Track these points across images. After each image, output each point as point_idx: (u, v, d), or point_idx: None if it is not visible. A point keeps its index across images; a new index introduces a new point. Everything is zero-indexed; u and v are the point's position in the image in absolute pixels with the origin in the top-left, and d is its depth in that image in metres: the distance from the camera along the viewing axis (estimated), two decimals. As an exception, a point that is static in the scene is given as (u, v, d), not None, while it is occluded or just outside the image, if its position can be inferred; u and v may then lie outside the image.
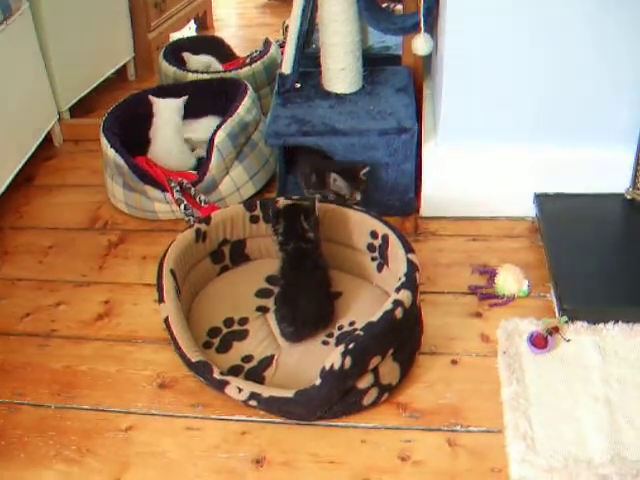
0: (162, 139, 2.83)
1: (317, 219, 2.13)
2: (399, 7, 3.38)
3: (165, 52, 3.48)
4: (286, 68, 2.73)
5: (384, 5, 3.60)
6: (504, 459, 1.73)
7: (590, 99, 2.37)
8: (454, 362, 2.02)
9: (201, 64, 3.44)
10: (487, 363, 2.00)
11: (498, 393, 1.89)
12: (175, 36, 4.38)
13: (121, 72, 4.03)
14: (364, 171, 2.41)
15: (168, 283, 2.01)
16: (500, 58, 2.32)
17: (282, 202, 2.20)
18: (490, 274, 2.27)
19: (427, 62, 2.97)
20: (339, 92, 2.72)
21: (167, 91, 3.00)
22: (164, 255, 2.09)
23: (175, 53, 3.48)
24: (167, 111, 2.86)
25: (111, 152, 2.64)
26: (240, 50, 3.94)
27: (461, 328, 2.13)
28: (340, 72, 2.68)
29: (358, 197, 2.43)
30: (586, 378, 1.90)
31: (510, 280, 2.20)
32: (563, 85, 2.35)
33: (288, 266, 2.13)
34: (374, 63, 2.90)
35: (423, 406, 1.89)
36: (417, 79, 2.90)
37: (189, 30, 4.84)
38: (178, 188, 2.57)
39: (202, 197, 2.59)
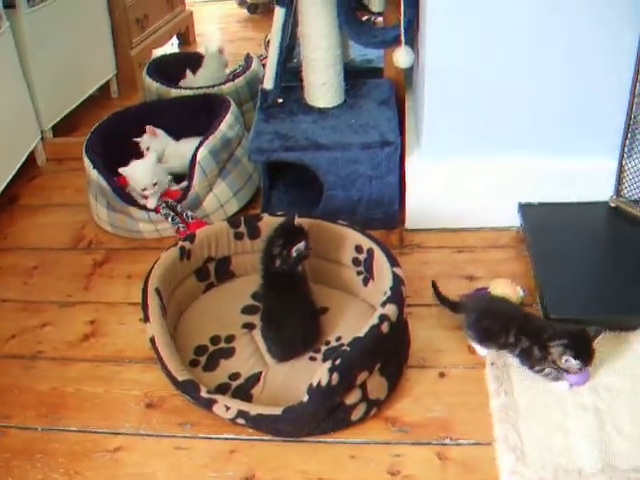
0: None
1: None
2: (380, 20, 3.38)
3: (148, 68, 3.48)
4: (268, 83, 2.73)
5: (365, 18, 3.60)
6: (494, 472, 1.72)
7: (573, 109, 2.37)
8: (442, 375, 2.01)
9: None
10: (475, 375, 2.00)
11: (487, 405, 1.89)
12: (157, 52, 4.38)
13: (104, 89, 4.04)
14: (598, 338, 1.87)
15: (153, 302, 2.00)
16: (481, 69, 2.33)
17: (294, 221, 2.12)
18: (482, 293, 2.23)
19: (409, 74, 2.97)
20: (321, 106, 2.72)
21: (150, 108, 3.00)
22: (149, 274, 2.08)
23: (158, 69, 3.48)
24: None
25: (94, 173, 2.63)
26: (224, 65, 3.94)
27: (448, 340, 2.13)
28: (322, 86, 2.68)
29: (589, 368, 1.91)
30: (574, 388, 1.90)
31: (505, 292, 2.18)
32: (546, 95, 2.36)
33: (272, 283, 2.10)
34: (356, 76, 2.91)
35: (412, 420, 1.88)
36: (399, 91, 2.89)
37: (171, 46, 4.85)
38: (164, 205, 2.57)
39: (189, 213, 2.59)
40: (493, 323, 1.98)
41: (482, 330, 2.01)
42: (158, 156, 2.78)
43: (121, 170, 2.63)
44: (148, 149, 2.83)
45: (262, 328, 2.10)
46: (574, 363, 1.83)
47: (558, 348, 1.85)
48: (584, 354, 1.83)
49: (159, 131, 2.90)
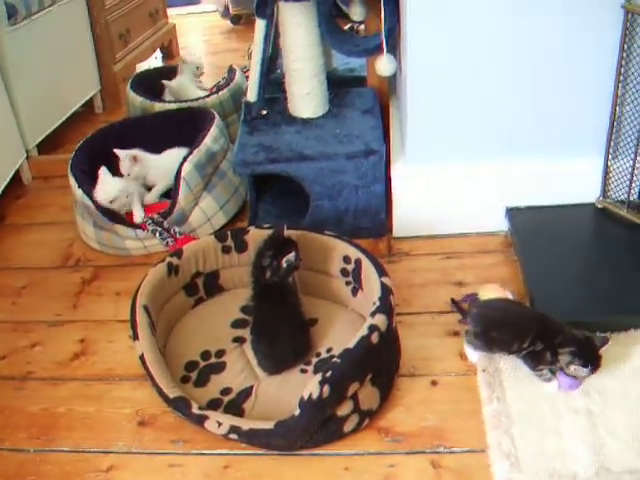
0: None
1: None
2: (363, 28, 3.39)
3: (132, 83, 3.48)
4: (251, 96, 2.73)
5: (347, 26, 3.60)
6: (489, 478, 1.72)
7: (556, 112, 2.38)
8: (434, 383, 2.01)
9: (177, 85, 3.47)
10: (467, 382, 1.99)
11: (480, 412, 1.89)
12: (141, 66, 4.38)
13: (88, 105, 4.03)
14: (605, 347, 1.88)
15: (142, 319, 1.99)
16: (463, 75, 2.33)
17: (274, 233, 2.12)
18: (471, 299, 2.22)
19: (392, 82, 2.98)
20: (305, 117, 2.72)
21: (134, 123, 3.00)
22: (137, 291, 2.07)
23: (142, 84, 3.48)
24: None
25: (79, 193, 2.63)
26: (207, 77, 3.94)
27: (439, 348, 2.12)
28: (305, 97, 2.68)
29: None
30: (567, 392, 1.90)
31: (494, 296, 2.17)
32: (529, 99, 2.36)
33: (262, 295, 2.09)
34: (339, 85, 2.91)
35: (405, 429, 1.88)
36: (383, 100, 2.90)
37: (155, 60, 4.84)
38: (150, 222, 2.56)
39: (176, 229, 2.59)
40: (504, 333, 1.97)
41: (492, 340, 1.99)
42: (139, 180, 2.81)
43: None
44: (129, 175, 2.78)
45: (252, 341, 2.09)
46: (584, 371, 1.84)
47: (567, 356, 1.85)
48: (591, 362, 1.85)
49: (140, 154, 2.82)
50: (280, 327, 2.03)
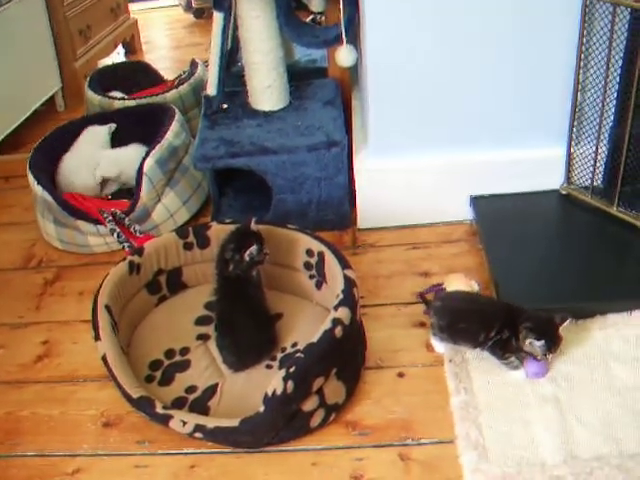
0: (76, 156, 2.81)
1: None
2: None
3: (90, 81, 3.44)
4: (211, 90, 2.71)
5: (310, 18, 3.59)
6: (458, 470, 1.71)
7: (518, 99, 2.38)
8: (400, 375, 2.00)
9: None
10: (434, 373, 1.98)
11: (447, 403, 1.88)
12: (103, 62, 4.34)
13: (50, 104, 3.99)
14: (564, 324, 1.87)
15: (103, 319, 1.97)
16: (424, 64, 2.32)
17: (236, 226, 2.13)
18: (437, 289, 2.22)
19: (354, 73, 2.96)
20: (266, 110, 2.70)
21: (93, 120, 2.97)
22: (98, 291, 2.05)
23: (101, 81, 3.44)
24: (90, 134, 2.86)
25: (38, 189, 2.59)
26: (171, 72, 3.92)
27: (406, 339, 2.11)
28: (266, 90, 2.66)
29: (549, 357, 1.89)
30: (534, 379, 1.90)
31: (459, 287, 2.16)
32: (490, 87, 2.36)
33: (226, 290, 2.08)
34: (301, 77, 2.89)
35: (372, 422, 1.87)
36: (345, 91, 2.89)
37: (117, 55, 4.82)
38: (110, 218, 2.53)
39: (137, 227, 2.55)
40: (472, 323, 1.96)
41: (457, 332, 1.98)
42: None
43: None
44: None
45: (217, 338, 2.07)
46: (537, 345, 1.82)
47: (523, 332, 1.85)
48: (548, 338, 1.83)
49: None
50: (244, 322, 2.01)
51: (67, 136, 2.88)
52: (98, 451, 1.90)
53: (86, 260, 2.65)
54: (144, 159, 2.61)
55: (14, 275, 2.64)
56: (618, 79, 2.26)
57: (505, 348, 1.91)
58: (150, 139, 2.73)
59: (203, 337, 2.14)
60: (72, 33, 4.05)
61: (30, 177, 2.65)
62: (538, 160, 2.45)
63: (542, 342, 1.82)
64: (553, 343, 1.84)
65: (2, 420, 2.03)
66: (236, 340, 2.02)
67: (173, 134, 2.72)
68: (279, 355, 2.04)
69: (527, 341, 1.83)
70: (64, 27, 3.98)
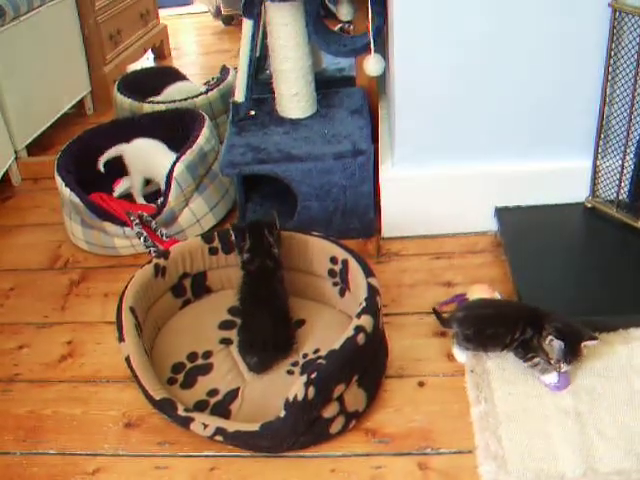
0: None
1: (279, 233, 2.13)
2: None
3: (119, 84, 3.47)
4: (239, 96, 2.72)
5: (338, 27, 3.60)
6: (476, 480, 1.71)
7: (545, 111, 2.37)
8: (421, 384, 2.00)
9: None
10: (455, 383, 1.98)
11: (467, 413, 1.88)
12: (132, 67, 4.36)
13: (78, 107, 4.02)
14: (589, 343, 1.86)
15: (128, 321, 1.98)
16: (452, 75, 2.32)
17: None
18: (460, 300, 2.22)
19: (381, 82, 2.97)
20: (293, 117, 2.71)
21: (122, 124, 2.99)
22: (123, 293, 2.06)
23: (130, 85, 3.46)
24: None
25: (66, 191, 2.62)
26: (200, 78, 3.94)
27: (427, 349, 2.11)
28: (293, 97, 2.67)
29: (564, 368, 1.87)
30: (555, 392, 1.89)
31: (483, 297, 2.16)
32: (518, 99, 2.36)
33: (248, 288, 2.11)
34: (328, 85, 2.91)
35: (392, 431, 1.87)
36: (372, 100, 2.90)
37: (147, 60, 4.84)
38: (137, 221, 2.55)
39: (163, 231, 2.57)
40: (499, 327, 1.96)
41: (486, 339, 1.98)
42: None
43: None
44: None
45: (239, 340, 2.09)
46: (556, 344, 1.82)
47: (548, 329, 1.85)
48: (569, 344, 1.82)
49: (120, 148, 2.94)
50: (263, 320, 2.04)
51: (95, 139, 2.90)
52: (119, 451, 1.91)
53: (112, 262, 2.67)
54: (174, 164, 2.62)
55: (40, 275, 2.66)
56: (646, 93, 2.26)
57: (528, 348, 1.91)
58: (178, 144, 2.75)
59: (226, 341, 2.15)
60: (102, 38, 4.08)
61: (58, 179, 2.67)
62: (564, 172, 2.44)
63: (562, 344, 1.81)
64: (572, 353, 1.83)
65: (25, 418, 2.04)
66: (253, 337, 2.05)
67: (204, 139, 2.73)
68: (301, 361, 2.04)
69: (548, 338, 1.83)
70: (95, 32, 4.01)
